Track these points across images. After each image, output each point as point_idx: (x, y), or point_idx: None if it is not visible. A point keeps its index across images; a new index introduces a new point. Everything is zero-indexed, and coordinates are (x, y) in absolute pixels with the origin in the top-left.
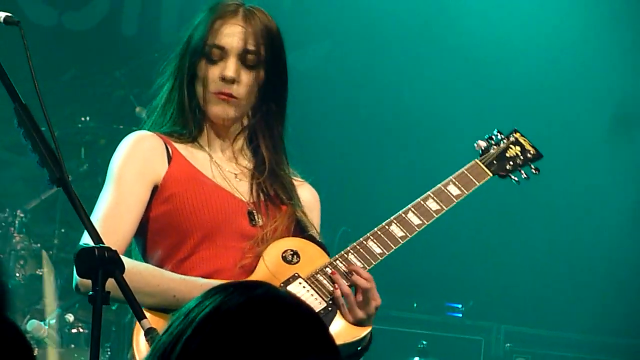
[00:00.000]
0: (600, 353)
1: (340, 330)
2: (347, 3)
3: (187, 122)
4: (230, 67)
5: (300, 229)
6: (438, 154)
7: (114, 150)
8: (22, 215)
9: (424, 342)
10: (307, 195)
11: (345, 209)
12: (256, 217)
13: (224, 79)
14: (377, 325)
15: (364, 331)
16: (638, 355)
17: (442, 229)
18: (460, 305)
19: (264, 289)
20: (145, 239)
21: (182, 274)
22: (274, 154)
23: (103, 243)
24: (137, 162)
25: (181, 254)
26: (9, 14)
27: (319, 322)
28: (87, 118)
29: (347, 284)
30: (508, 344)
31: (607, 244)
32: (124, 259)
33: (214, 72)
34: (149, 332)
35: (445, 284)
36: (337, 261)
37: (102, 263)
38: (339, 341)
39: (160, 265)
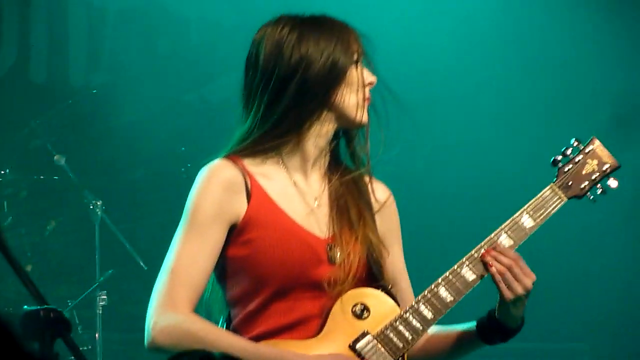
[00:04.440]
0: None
1: None
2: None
3: (289, 138)
4: (369, 72)
5: (372, 259)
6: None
7: (36, 201)
8: None
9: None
10: (382, 197)
11: None
12: (334, 252)
13: (371, 84)
14: None
15: None
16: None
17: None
18: None
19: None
20: (224, 279)
21: (252, 327)
22: (362, 165)
23: (47, 304)
24: (213, 202)
25: (253, 306)
26: None
27: None
28: (7, 171)
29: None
30: None
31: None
32: (201, 324)
33: (360, 77)
34: None
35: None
36: (407, 314)
37: (48, 325)
38: None
39: (233, 309)
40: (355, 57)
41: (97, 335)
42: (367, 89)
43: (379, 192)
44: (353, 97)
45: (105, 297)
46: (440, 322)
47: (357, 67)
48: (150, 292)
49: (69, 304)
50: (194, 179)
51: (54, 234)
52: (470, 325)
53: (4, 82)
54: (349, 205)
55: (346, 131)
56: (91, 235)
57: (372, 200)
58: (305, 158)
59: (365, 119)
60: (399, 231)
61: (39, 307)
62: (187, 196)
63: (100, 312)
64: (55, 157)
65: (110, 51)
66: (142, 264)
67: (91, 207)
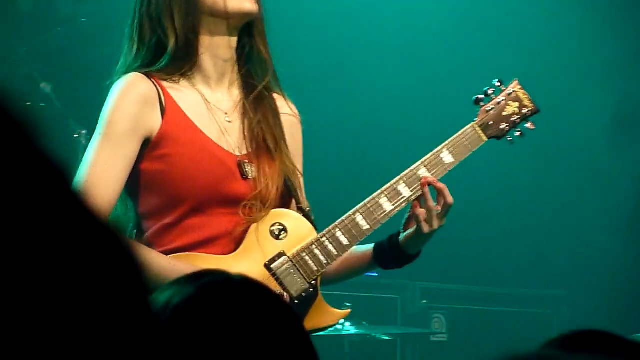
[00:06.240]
0: (514, 304)
1: (323, 313)
2: None
3: (180, 53)
4: None
5: (286, 184)
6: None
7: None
8: None
9: (348, 304)
10: (289, 120)
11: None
12: (247, 168)
13: None
14: None
15: (342, 317)
16: (549, 305)
17: (356, 186)
18: None
19: (211, 277)
20: (136, 192)
21: (167, 240)
22: (265, 77)
23: None
24: (128, 115)
25: (168, 219)
26: None
27: (277, 302)
28: None
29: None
30: (424, 301)
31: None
32: None
33: None
34: None
35: (359, 243)
36: (324, 238)
37: None
38: (318, 325)
39: (146, 221)
40: None
41: None
42: None
43: (287, 109)
44: None
45: None
46: None
47: None
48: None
49: None
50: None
51: None
52: (367, 248)
53: None
54: (263, 126)
55: (248, 35)
56: (74, 164)
57: (282, 116)
58: (210, 74)
59: (248, 6)
60: (302, 154)
61: None
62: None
63: None
64: (42, 85)
65: None
66: None
67: (75, 135)
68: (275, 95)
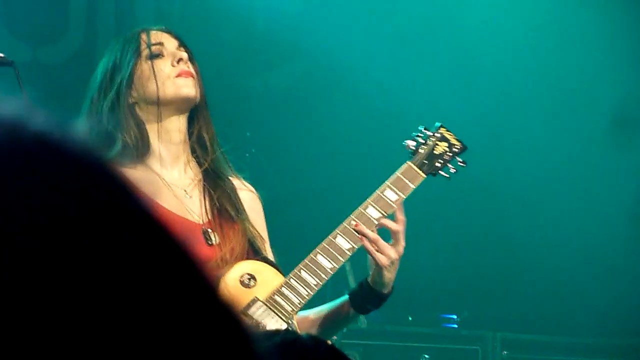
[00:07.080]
0: (597, 355)
1: None
2: (320, 21)
3: (131, 144)
4: (177, 52)
5: (251, 246)
6: None
7: None
8: None
9: (426, 356)
10: (247, 196)
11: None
12: (211, 235)
13: (180, 60)
14: (374, 341)
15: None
16: (634, 355)
17: (430, 239)
18: (455, 316)
19: (282, 336)
20: None
21: None
22: (217, 158)
23: None
24: None
25: None
26: (1, 55)
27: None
28: None
29: (372, 230)
30: (505, 352)
31: (605, 247)
32: None
33: (163, 62)
34: None
35: (438, 295)
36: (292, 280)
37: None
38: None
39: None
40: (143, 51)
41: None
42: (179, 67)
43: (244, 187)
44: (152, 83)
45: None
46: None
47: (148, 57)
48: None
49: None
50: (258, 164)
51: None
52: (342, 299)
53: (70, 65)
54: (222, 199)
55: (196, 119)
56: None
57: (240, 192)
58: (165, 157)
59: (185, 91)
60: (265, 226)
61: None
62: (246, 179)
63: None
64: None
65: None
66: None
67: None
68: (230, 177)
